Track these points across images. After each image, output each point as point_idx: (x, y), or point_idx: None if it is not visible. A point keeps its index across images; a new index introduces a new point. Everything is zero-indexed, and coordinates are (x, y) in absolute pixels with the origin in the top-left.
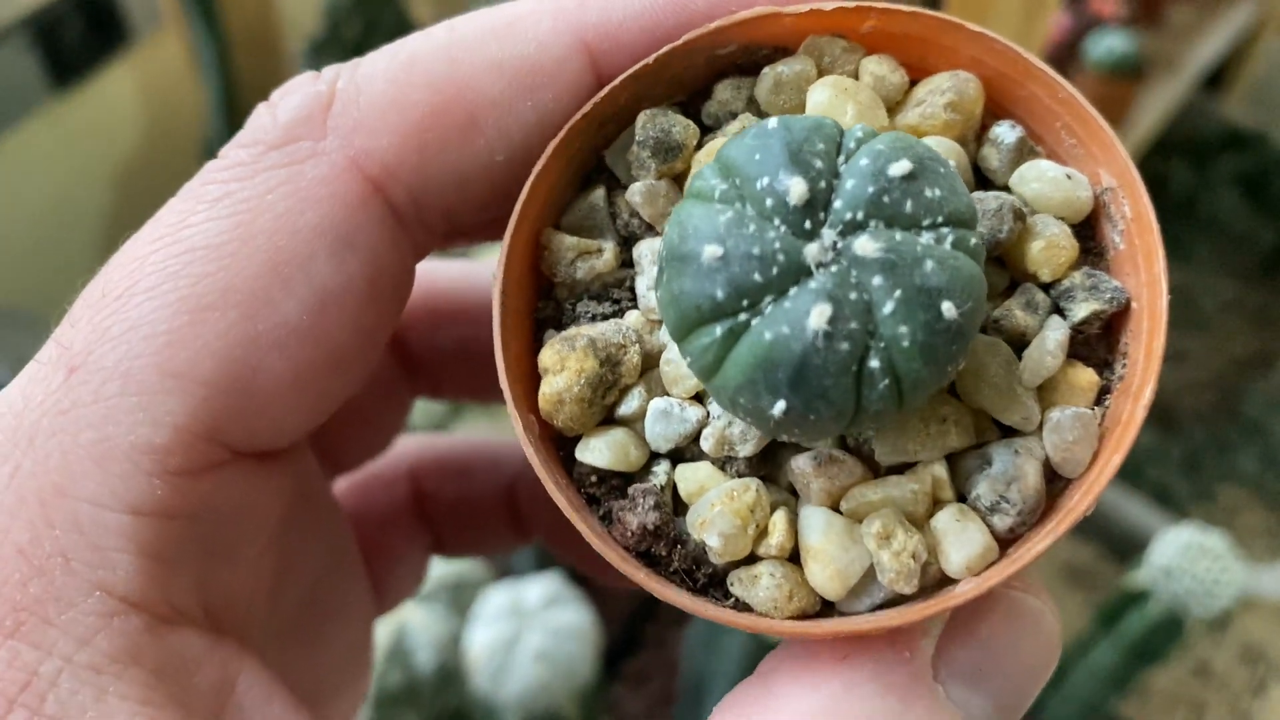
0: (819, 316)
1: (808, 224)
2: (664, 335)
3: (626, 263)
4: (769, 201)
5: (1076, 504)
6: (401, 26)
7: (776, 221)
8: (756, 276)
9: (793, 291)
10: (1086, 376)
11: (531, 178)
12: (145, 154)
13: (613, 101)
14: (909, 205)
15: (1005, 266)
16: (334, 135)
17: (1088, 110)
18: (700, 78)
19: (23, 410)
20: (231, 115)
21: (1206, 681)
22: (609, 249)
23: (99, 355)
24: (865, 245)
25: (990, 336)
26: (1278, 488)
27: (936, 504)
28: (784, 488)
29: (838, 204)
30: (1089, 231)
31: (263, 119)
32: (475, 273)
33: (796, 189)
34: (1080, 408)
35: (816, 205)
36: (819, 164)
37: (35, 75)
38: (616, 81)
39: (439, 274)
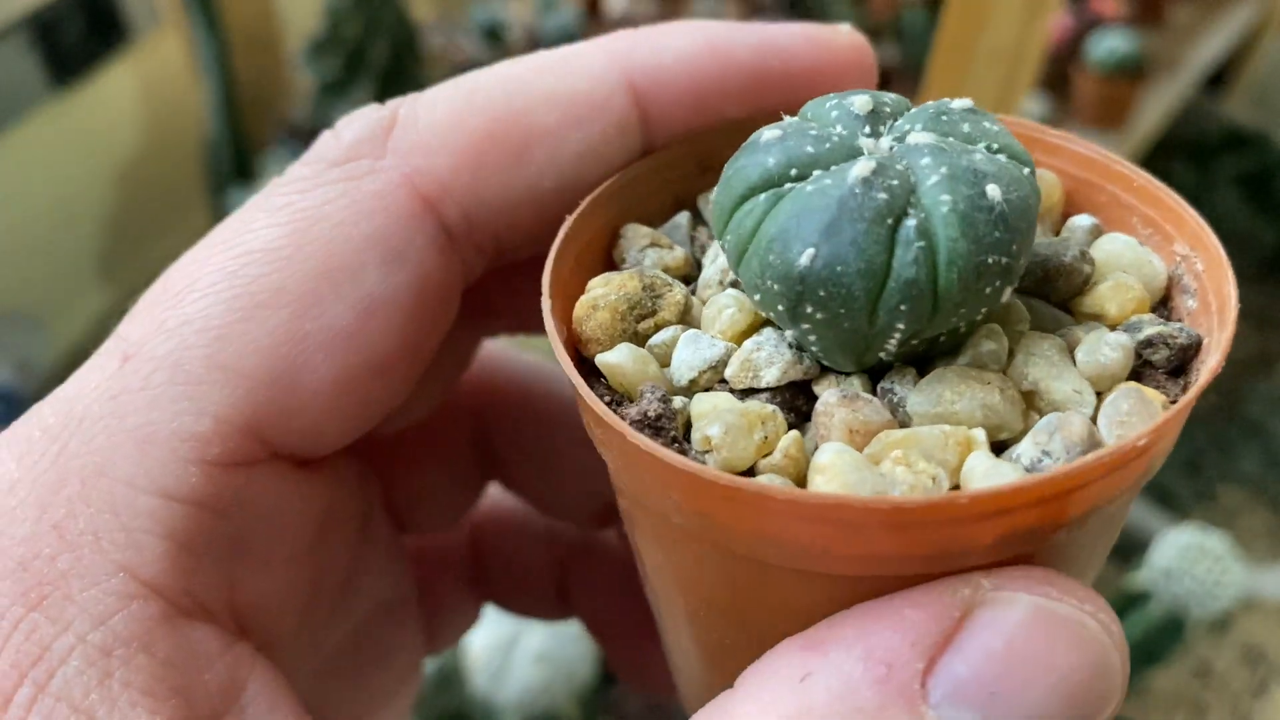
0: (863, 167)
1: (867, 128)
2: (707, 303)
3: (693, 279)
4: (834, 113)
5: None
6: (401, 26)
7: (839, 126)
8: (809, 149)
9: (842, 166)
10: (1151, 393)
11: (632, 170)
12: (145, 153)
13: (713, 144)
14: (967, 127)
15: (1072, 314)
16: (393, 154)
17: (1161, 191)
18: None
19: (76, 395)
20: (231, 114)
21: (1207, 682)
22: (680, 252)
23: (152, 346)
24: (917, 136)
25: (1047, 334)
26: (1277, 491)
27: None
28: (803, 418)
29: (899, 121)
30: (1161, 307)
31: (327, 141)
32: (546, 370)
33: (861, 101)
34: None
35: (879, 119)
36: (887, 106)
37: (35, 74)
38: (718, 124)
39: (530, 373)
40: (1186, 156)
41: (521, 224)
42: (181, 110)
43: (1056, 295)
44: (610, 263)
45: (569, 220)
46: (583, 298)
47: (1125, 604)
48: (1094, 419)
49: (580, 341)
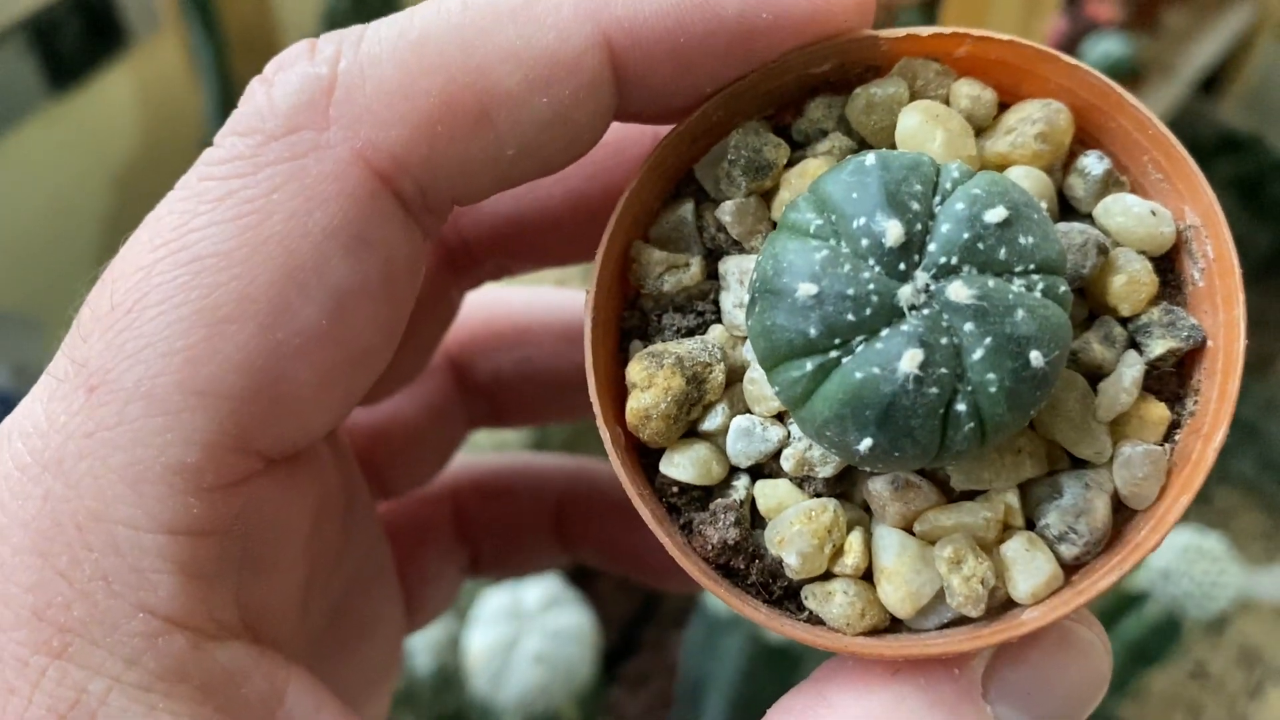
0: (910, 360)
1: (902, 265)
2: (748, 352)
3: (711, 275)
4: (865, 241)
5: (1144, 539)
6: None
7: (871, 261)
8: (850, 316)
9: (885, 332)
10: (1158, 411)
11: (625, 195)
12: (144, 157)
13: (706, 119)
14: (1003, 252)
15: (1085, 298)
16: (338, 125)
17: (1177, 148)
18: (791, 93)
19: (47, 431)
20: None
21: (1204, 683)
22: (695, 263)
23: (117, 374)
24: (958, 291)
25: (1068, 371)
26: (1274, 490)
27: (1006, 530)
28: (858, 505)
29: (932, 247)
30: (1169, 265)
31: (258, 100)
32: (535, 296)
33: (893, 232)
34: (1150, 443)
35: (911, 247)
36: (915, 205)
37: (33, 78)
38: (711, 101)
39: (499, 299)
40: None
41: (481, 189)
42: (180, 114)
43: (1073, 285)
44: (626, 286)
45: (590, 303)
46: (632, 403)
47: (1123, 605)
48: (1110, 463)
49: (635, 440)
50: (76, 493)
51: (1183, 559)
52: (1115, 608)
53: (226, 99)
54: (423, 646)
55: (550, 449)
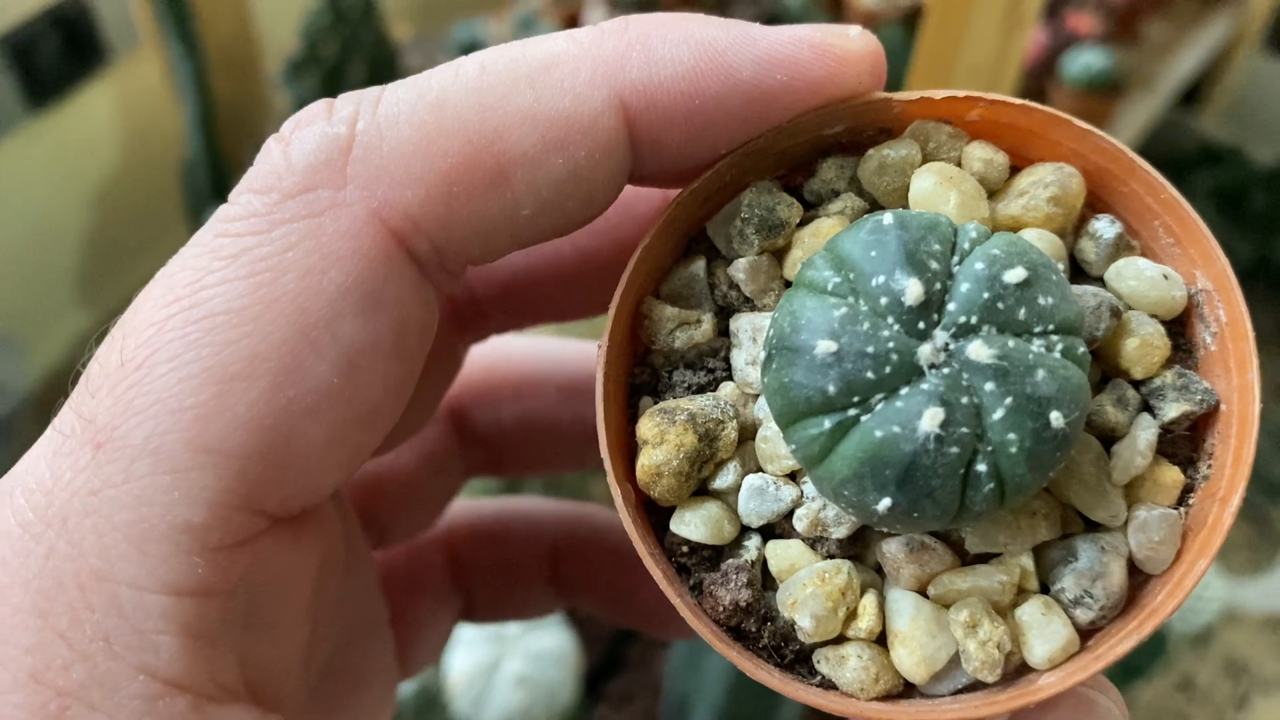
0: (931, 420)
1: (921, 324)
2: (759, 410)
3: (722, 332)
4: (884, 300)
5: (1161, 605)
6: (380, 46)
7: (890, 320)
8: (869, 374)
9: (904, 391)
10: (1172, 475)
11: (638, 252)
12: (123, 174)
13: (719, 178)
14: (1022, 312)
15: (1098, 360)
16: (355, 184)
17: (1189, 212)
18: (804, 154)
19: (52, 488)
20: (209, 135)
21: (1190, 695)
22: (707, 320)
23: (125, 431)
24: (979, 350)
25: (1084, 433)
26: (1259, 501)
27: (1021, 593)
28: (871, 566)
29: (951, 306)
30: (1180, 329)
31: (275, 159)
32: (537, 346)
33: (913, 290)
34: (1165, 507)
35: (931, 306)
36: (934, 265)
37: (11, 95)
38: (724, 160)
39: (499, 349)
40: (1162, 172)
41: (496, 248)
42: (160, 131)
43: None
44: (636, 342)
45: (602, 359)
46: (643, 460)
47: None
48: (1125, 526)
49: (645, 496)
50: (80, 551)
51: None
52: None
53: (206, 117)
54: None
55: (529, 489)
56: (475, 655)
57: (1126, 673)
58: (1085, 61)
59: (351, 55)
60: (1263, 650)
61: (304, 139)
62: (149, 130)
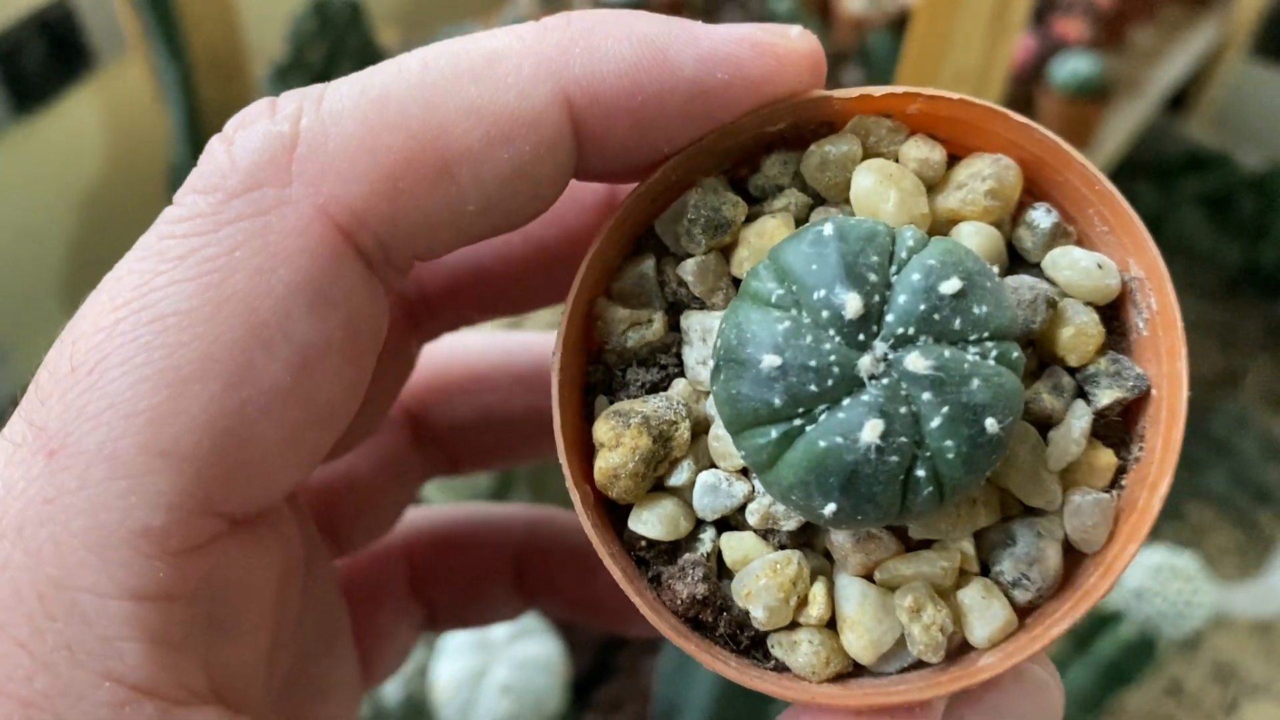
0: (871, 431)
1: (861, 336)
2: (711, 407)
3: (673, 328)
4: (825, 313)
5: (1094, 585)
6: (367, 51)
7: (831, 333)
8: (812, 387)
9: (846, 402)
10: (1106, 458)
11: (589, 255)
12: (109, 180)
13: (665, 178)
14: (957, 322)
15: (1035, 349)
16: (300, 181)
17: (1121, 203)
18: (748, 151)
19: (4, 498)
20: (196, 141)
21: (1179, 701)
22: (658, 319)
23: (78, 438)
24: (916, 361)
25: (1020, 422)
26: (1247, 506)
27: (963, 576)
28: (820, 552)
29: (890, 318)
30: (1114, 314)
31: (219, 159)
32: (491, 341)
33: (852, 305)
34: (1099, 489)
35: (870, 318)
36: (873, 277)
37: None
38: (670, 162)
39: (453, 346)
40: (1150, 177)
41: (442, 244)
42: (146, 137)
43: (1024, 338)
44: (590, 341)
45: (556, 363)
46: (600, 462)
47: (1097, 625)
48: (1061, 510)
49: (603, 496)
50: (37, 560)
51: (1156, 579)
52: (1090, 628)
53: (193, 122)
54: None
55: (516, 490)
56: (461, 663)
57: (1116, 680)
58: (1073, 67)
59: (338, 60)
60: (1251, 655)
61: (248, 138)
62: (135, 135)
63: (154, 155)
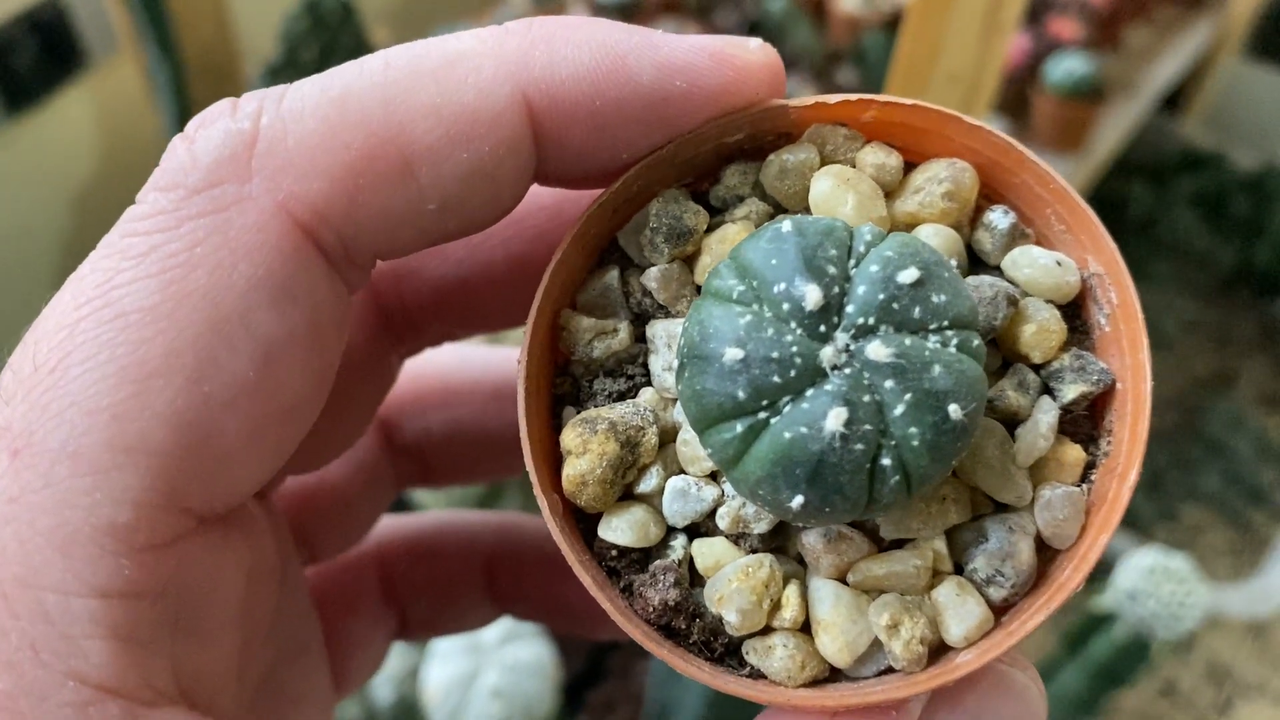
0: (835, 419)
1: (822, 327)
2: (678, 414)
3: (639, 338)
4: (785, 306)
5: (1068, 579)
6: (359, 51)
7: (793, 325)
8: (775, 379)
9: (809, 393)
10: (1074, 453)
11: (551, 265)
12: (102, 178)
13: (626, 188)
14: (917, 311)
15: (998, 347)
16: (260, 177)
17: (1077, 201)
18: (708, 162)
19: None
20: None
21: (1173, 701)
22: (624, 329)
23: (42, 436)
24: (877, 350)
25: (987, 419)
26: (1241, 506)
27: (936, 575)
28: (793, 557)
29: (850, 309)
30: (1076, 312)
31: (180, 157)
32: (465, 355)
33: (812, 296)
34: (1069, 485)
35: (830, 310)
36: (832, 270)
37: None
38: (631, 171)
39: (427, 358)
40: (1144, 177)
41: (402, 242)
42: (138, 136)
43: (986, 336)
44: (556, 353)
45: (522, 373)
46: (568, 470)
47: (1091, 626)
48: (1031, 505)
49: (573, 505)
50: (2, 559)
51: (1149, 580)
52: (1083, 629)
53: (184, 120)
54: (383, 678)
55: (509, 498)
56: (452, 667)
57: (1110, 681)
58: (1067, 67)
59: (331, 60)
60: (1245, 655)
61: (208, 136)
62: (127, 135)
63: (146, 154)
